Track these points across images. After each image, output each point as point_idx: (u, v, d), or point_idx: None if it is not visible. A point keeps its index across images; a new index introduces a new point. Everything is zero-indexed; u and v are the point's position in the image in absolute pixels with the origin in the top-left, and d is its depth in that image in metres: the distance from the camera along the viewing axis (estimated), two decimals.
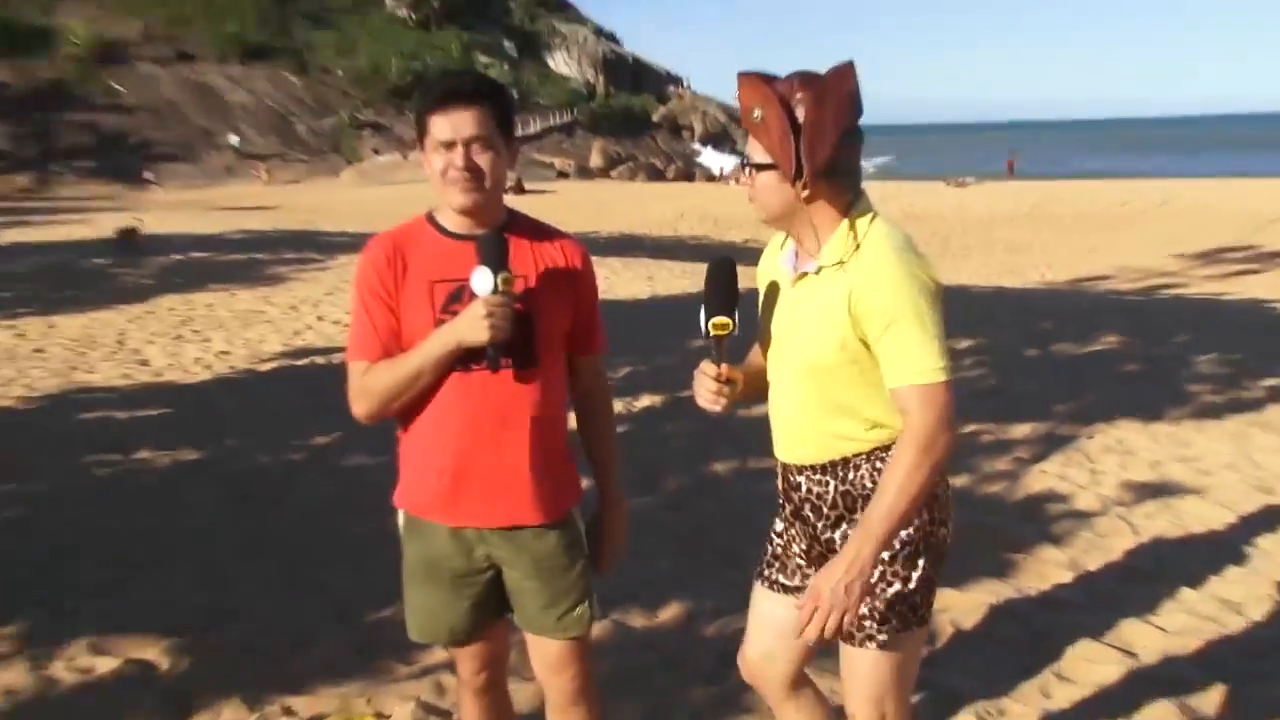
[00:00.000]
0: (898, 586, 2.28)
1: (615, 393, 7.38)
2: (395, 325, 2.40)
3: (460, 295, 2.37)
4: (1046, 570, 4.72)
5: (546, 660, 2.59)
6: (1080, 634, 4.05)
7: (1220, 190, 34.81)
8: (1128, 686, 3.67)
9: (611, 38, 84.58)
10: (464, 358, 2.36)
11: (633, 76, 79.45)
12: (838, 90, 2.14)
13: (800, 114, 2.13)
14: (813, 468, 2.35)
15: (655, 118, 74.33)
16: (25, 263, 15.57)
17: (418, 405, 2.42)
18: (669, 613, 4.29)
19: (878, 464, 2.28)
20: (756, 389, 2.47)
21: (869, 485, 2.28)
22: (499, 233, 2.38)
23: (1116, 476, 6.01)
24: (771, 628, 2.53)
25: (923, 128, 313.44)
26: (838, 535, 2.35)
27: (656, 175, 58.08)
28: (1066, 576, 4.65)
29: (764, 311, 2.43)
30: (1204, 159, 69.47)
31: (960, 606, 4.28)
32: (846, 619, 2.15)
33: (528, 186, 39.82)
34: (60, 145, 48.09)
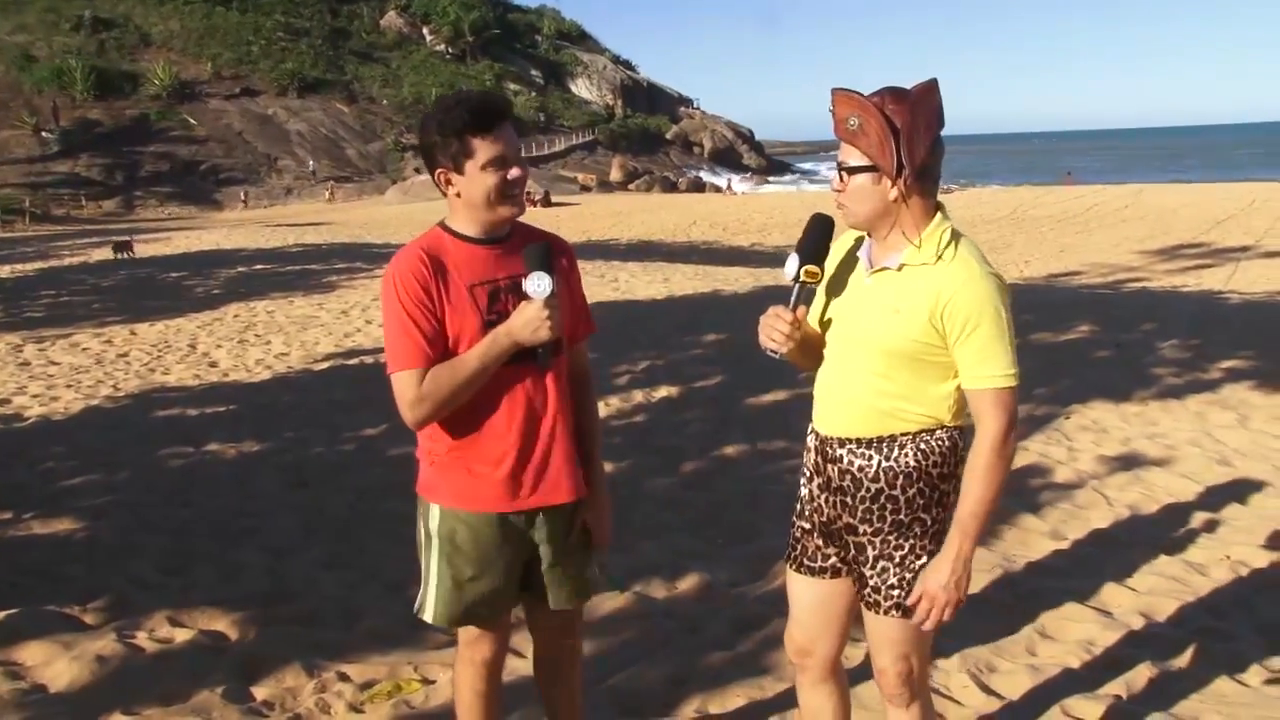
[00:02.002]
0: (924, 560, 2.27)
1: (635, 384, 7.39)
2: (439, 331, 2.29)
3: (499, 295, 2.32)
4: (1030, 539, 4.66)
5: (560, 626, 2.57)
6: (1061, 596, 3.98)
7: (1177, 194, 34.58)
8: (1105, 643, 3.62)
9: (628, 65, 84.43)
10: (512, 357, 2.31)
11: (647, 99, 79.30)
12: (927, 101, 2.14)
13: (896, 121, 2.12)
14: (858, 441, 2.29)
15: (668, 135, 74.15)
16: (113, 278, 15.66)
17: (459, 414, 2.34)
18: (688, 583, 4.24)
19: (921, 445, 2.25)
20: (804, 353, 2.38)
21: (911, 464, 2.25)
22: (546, 242, 2.35)
23: (1091, 453, 5.93)
24: (809, 609, 2.46)
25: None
26: (859, 522, 2.30)
27: (670, 187, 57.95)
28: (1048, 544, 4.58)
29: (830, 293, 2.36)
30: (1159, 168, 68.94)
31: None
32: (955, 610, 2.19)
33: (554, 199, 39.79)
34: (142, 174, 48.49)
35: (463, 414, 2.34)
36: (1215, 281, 16.59)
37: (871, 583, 2.30)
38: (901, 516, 2.27)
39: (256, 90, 57.91)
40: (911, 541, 2.27)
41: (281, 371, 8.83)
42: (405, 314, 2.28)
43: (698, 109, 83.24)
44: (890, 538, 2.28)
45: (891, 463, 2.26)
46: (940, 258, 2.18)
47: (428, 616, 2.48)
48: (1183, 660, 3.50)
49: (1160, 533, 4.69)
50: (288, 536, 4.86)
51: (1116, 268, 19.51)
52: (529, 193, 2.57)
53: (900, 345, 2.19)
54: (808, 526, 2.43)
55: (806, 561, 2.44)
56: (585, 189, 52.51)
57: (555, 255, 2.34)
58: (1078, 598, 3.99)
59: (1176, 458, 5.80)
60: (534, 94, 68.96)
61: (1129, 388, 7.39)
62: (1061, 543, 4.61)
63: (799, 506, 2.47)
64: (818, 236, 2.28)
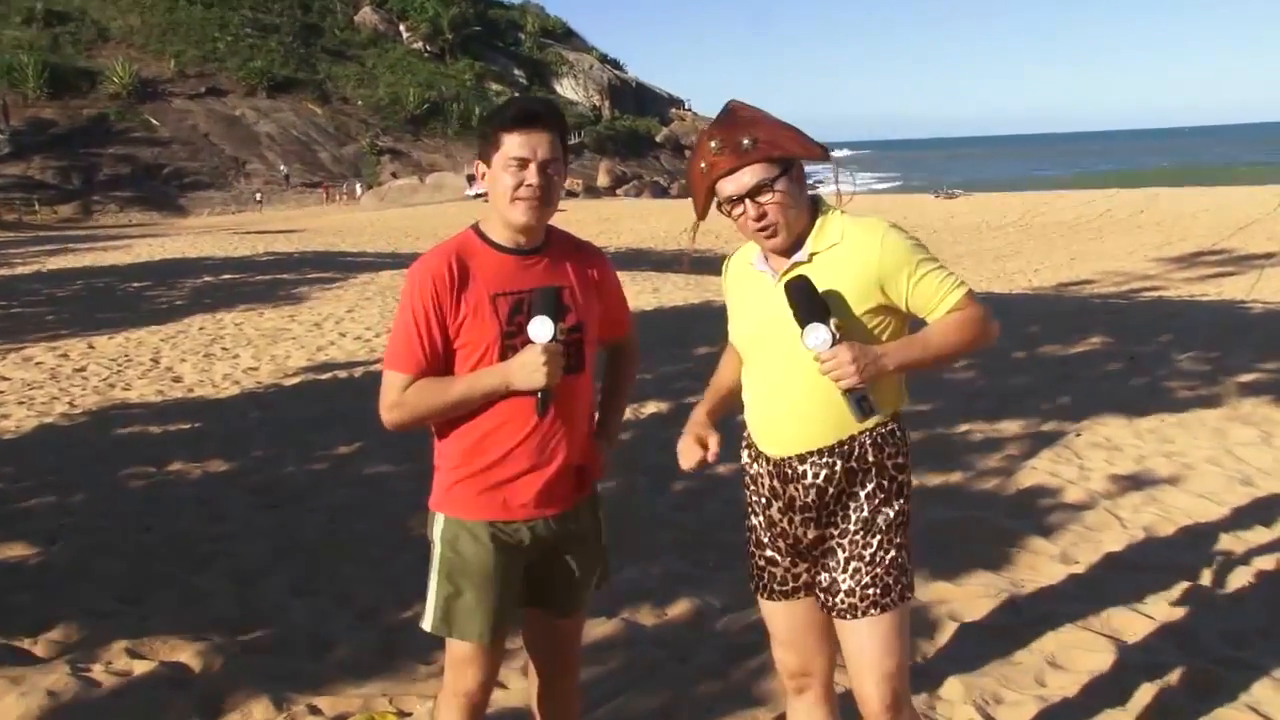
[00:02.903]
0: (893, 554, 2.36)
1: None
2: (441, 344, 2.40)
3: (521, 308, 2.40)
4: (1038, 562, 4.67)
5: (562, 636, 2.64)
6: (1071, 623, 4.00)
7: (1195, 198, 34.70)
8: (1117, 673, 3.62)
9: (615, 64, 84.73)
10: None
11: (636, 100, 79.59)
12: (747, 105, 2.37)
13: (759, 113, 2.31)
14: (819, 452, 2.36)
15: (658, 138, 74.42)
16: (68, 288, 15.62)
17: (470, 415, 2.43)
18: (678, 609, 4.25)
19: (877, 438, 2.35)
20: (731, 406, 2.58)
21: (870, 460, 2.35)
22: (558, 286, 2.43)
23: (1103, 471, 5.95)
24: (796, 630, 2.52)
25: (895, 143, 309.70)
26: (824, 528, 2.39)
27: (661, 192, 58.15)
28: (1057, 568, 4.60)
29: (742, 318, 2.47)
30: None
31: (956, 598, 4.23)
32: (854, 381, 2.23)
33: None
34: (101, 177, 48.37)
35: (465, 423, 2.44)
36: (1237, 290, 16.66)
37: (845, 585, 2.36)
38: (865, 513, 2.36)
39: (223, 90, 57.92)
40: (879, 537, 2.36)
41: (250, 387, 8.82)
42: (413, 318, 2.40)
43: (689, 110, 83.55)
44: (858, 536, 2.36)
45: (852, 463, 2.35)
46: (844, 233, 2.33)
47: (427, 625, 2.53)
48: (1204, 693, 3.50)
49: (1178, 556, 4.71)
50: (256, 561, 4.85)
51: (1131, 276, 19.61)
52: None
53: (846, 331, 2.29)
54: (771, 554, 2.51)
55: (777, 587, 2.51)
56: (571, 194, 52.57)
57: (564, 299, 2.43)
58: (1089, 625, 4.00)
59: (1194, 477, 5.83)
60: (516, 94, 69.13)
61: (1144, 403, 7.43)
62: (1072, 566, 4.62)
63: (754, 537, 2.54)
64: (811, 294, 2.29)
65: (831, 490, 2.36)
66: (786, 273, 2.34)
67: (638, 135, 72.76)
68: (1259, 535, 4.94)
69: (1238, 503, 5.38)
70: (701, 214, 2.41)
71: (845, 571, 2.36)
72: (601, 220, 34.60)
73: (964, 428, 6.69)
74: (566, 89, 76.47)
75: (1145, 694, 3.46)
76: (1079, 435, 6.68)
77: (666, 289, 14.40)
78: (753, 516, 2.54)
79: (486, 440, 2.44)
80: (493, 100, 64.30)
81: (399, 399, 2.41)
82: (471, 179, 41.72)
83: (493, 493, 2.46)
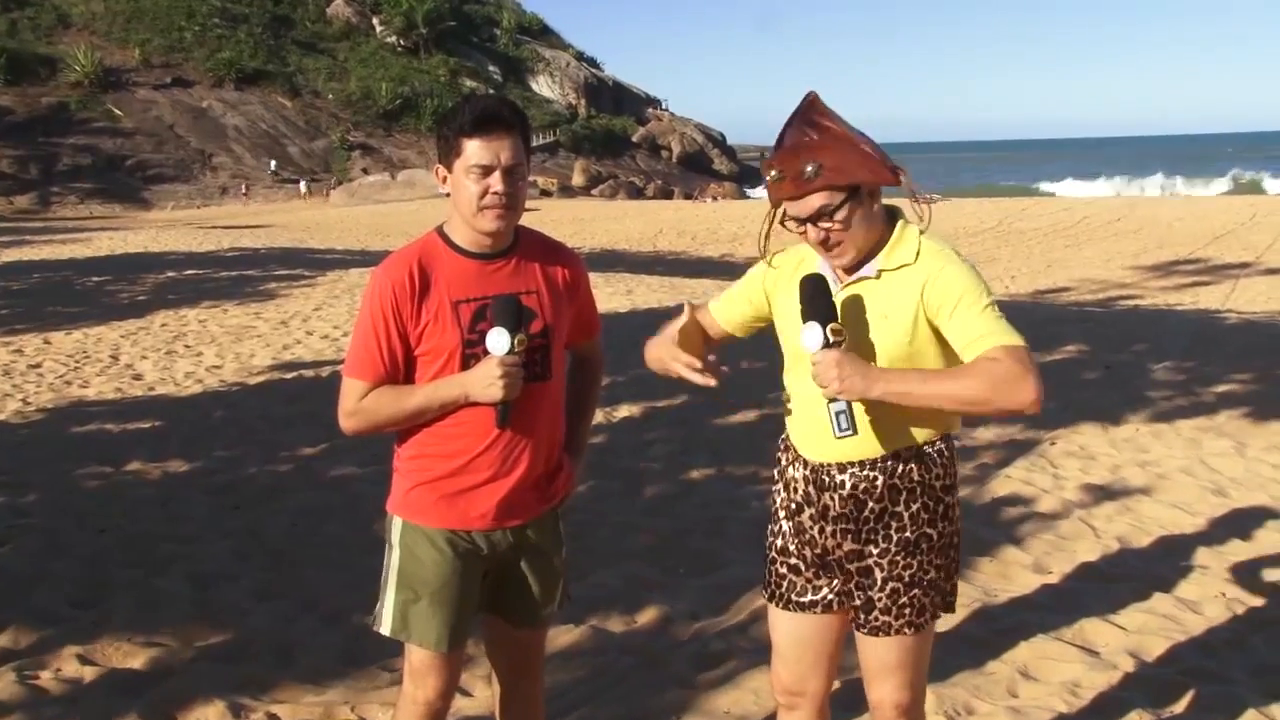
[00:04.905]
0: (932, 574, 2.35)
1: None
2: (401, 352, 2.38)
3: (484, 314, 2.38)
4: (1011, 572, 4.70)
5: (523, 646, 2.63)
6: (1044, 633, 4.03)
7: (1173, 207, 35.14)
8: (1092, 684, 3.65)
9: (592, 62, 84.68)
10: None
11: (613, 99, 79.51)
12: (823, 107, 2.26)
13: (837, 128, 2.22)
14: (860, 463, 2.34)
15: (635, 138, 74.35)
16: (24, 281, 15.42)
17: (430, 421, 2.42)
18: (647, 616, 4.24)
19: (924, 457, 2.33)
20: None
21: (915, 478, 2.32)
22: (516, 296, 2.39)
23: (1078, 480, 6.00)
24: (798, 646, 2.50)
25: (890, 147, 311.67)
26: (864, 544, 2.35)
27: (636, 193, 58.11)
28: (1031, 577, 4.63)
29: (796, 320, 2.38)
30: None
31: None
32: (833, 390, 2.18)
33: None
34: (60, 167, 47.80)
35: (429, 429, 2.42)
36: (1212, 300, 16.85)
37: (880, 605, 2.35)
38: (908, 534, 2.33)
39: (189, 80, 57.35)
40: (920, 559, 2.34)
41: (213, 385, 8.73)
42: (373, 325, 2.38)
43: (666, 110, 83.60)
44: (898, 558, 2.34)
45: (895, 480, 2.32)
46: (919, 255, 2.28)
47: (383, 627, 2.50)
48: (1174, 704, 3.54)
49: (1151, 567, 4.75)
50: (217, 563, 4.80)
51: (1108, 284, 19.77)
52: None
53: (894, 350, 2.27)
54: (795, 563, 2.46)
55: (795, 598, 2.47)
56: (545, 193, 52.53)
57: (523, 311, 2.39)
58: (1062, 635, 4.03)
59: (1168, 486, 5.88)
60: (491, 91, 68.94)
61: (1119, 411, 7.50)
62: (1045, 576, 4.65)
63: (779, 543, 2.49)
64: (821, 294, 2.28)
65: (871, 504, 2.33)
66: (850, 285, 2.31)
67: (614, 135, 72.69)
68: (1232, 546, 4.99)
69: (1211, 513, 5.44)
70: (770, 224, 2.36)
71: (882, 591, 2.35)
72: (576, 220, 34.55)
73: None
74: (543, 86, 76.33)
75: (1119, 705, 3.49)
76: (1054, 444, 6.73)
77: (640, 291, 14.41)
78: (781, 521, 2.50)
79: (446, 448, 2.42)
80: (524, 111, 63.63)
81: (357, 407, 2.40)
82: None
83: (451, 501, 2.44)
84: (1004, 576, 4.65)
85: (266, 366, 9.46)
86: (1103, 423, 7.20)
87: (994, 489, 5.84)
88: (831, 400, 2.22)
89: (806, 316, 2.25)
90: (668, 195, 57.12)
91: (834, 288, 2.33)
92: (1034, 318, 12.08)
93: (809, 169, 2.18)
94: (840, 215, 2.22)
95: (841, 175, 2.19)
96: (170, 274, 16.09)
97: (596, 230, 31.86)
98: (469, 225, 2.39)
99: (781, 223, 2.31)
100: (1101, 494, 5.76)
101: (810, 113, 2.25)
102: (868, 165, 2.22)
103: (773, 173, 2.25)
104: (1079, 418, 7.30)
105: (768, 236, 2.39)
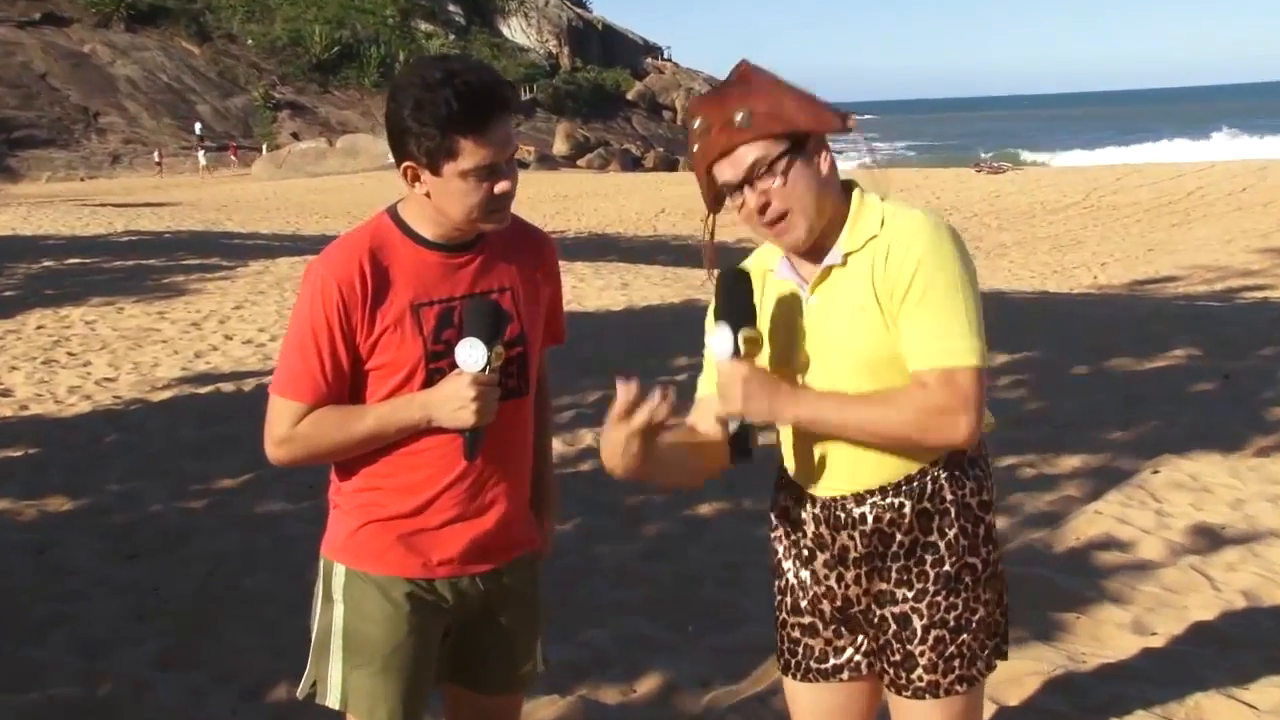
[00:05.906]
0: (981, 613, 2.37)
1: (583, 422, 7.40)
2: (349, 365, 2.35)
3: (451, 319, 2.37)
4: (1104, 632, 4.70)
5: (494, 719, 2.66)
6: (1147, 709, 4.02)
7: None
8: None
9: (578, 1, 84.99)
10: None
11: (602, 46, 79.80)
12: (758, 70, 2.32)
13: (766, 77, 2.27)
14: (881, 490, 2.34)
15: (630, 95, 74.64)
16: None
17: (384, 449, 2.41)
18: (647, 684, 4.25)
19: (955, 471, 2.33)
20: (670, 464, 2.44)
21: (947, 498, 2.33)
22: (491, 299, 2.39)
23: (1188, 519, 5.99)
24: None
25: (906, 104, 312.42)
26: (894, 587, 2.37)
27: (633, 164, 58.29)
28: (1129, 640, 4.63)
29: (771, 339, 2.41)
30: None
31: (999, 676, 4.21)
32: (732, 408, 2.24)
33: None
34: None
35: (382, 460, 2.42)
36: None
37: (925, 660, 2.35)
38: (947, 567, 2.34)
39: (65, 18, 57.23)
40: (965, 595, 2.35)
41: (105, 403, 8.76)
42: (313, 334, 2.34)
43: (669, 60, 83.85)
44: (939, 599, 2.35)
45: (926, 504, 2.33)
46: (884, 222, 2.29)
47: (331, 700, 2.49)
48: None
49: None
50: (110, 626, 4.81)
51: (1228, 271, 19.75)
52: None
53: (874, 351, 2.28)
54: (811, 622, 2.48)
55: (814, 665, 2.48)
56: (521, 164, 52.53)
57: (503, 316, 2.38)
58: (1172, 715, 4.01)
59: None
60: (452, 37, 69.10)
61: (1241, 432, 7.50)
62: (1148, 638, 4.65)
63: (789, 601, 2.51)
64: (742, 293, 2.31)
65: (900, 537, 2.34)
66: (819, 282, 2.32)
67: (604, 91, 72.92)
68: None
69: None
70: (711, 205, 2.39)
71: (925, 643, 2.35)
72: (558, 198, 34.63)
73: (1009, 461, 6.73)
74: (515, 31, 76.60)
75: None
76: (1156, 473, 6.73)
77: (638, 284, 14.44)
78: (787, 574, 2.51)
79: (404, 480, 2.42)
80: (422, 44, 64.12)
81: (290, 433, 2.36)
82: None
83: (408, 544, 2.43)
84: (1095, 638, 4.65)
85: (174, 379, 9.48)
86: (1220, 446, 7.20)
87: (1080, 528, 5.84)
88: (728, 419, 2.27)
89: (719, 316, 2.28)
90: (671, 166, 57.05)
91: (803, 294, 2.35)
92: (1132, 316, 12.10)
93: (739, 116, 2.22)
94: (782, 169, 2.24)
95: (777, 121, 2.22)
96: (47, 263, 16.13)
97: (584, 209, 31.94)
98: (460, 225, 2.37)
99: (712, 209, 2.37)
100: (1219, 536, 5.75)
101: (738, 73, 2.32)
102: (808, 109, 2.25)
103: (696, 121, 2.28)
104: (1189, 440, 7.30)
105: (712, 240, 2.45)
